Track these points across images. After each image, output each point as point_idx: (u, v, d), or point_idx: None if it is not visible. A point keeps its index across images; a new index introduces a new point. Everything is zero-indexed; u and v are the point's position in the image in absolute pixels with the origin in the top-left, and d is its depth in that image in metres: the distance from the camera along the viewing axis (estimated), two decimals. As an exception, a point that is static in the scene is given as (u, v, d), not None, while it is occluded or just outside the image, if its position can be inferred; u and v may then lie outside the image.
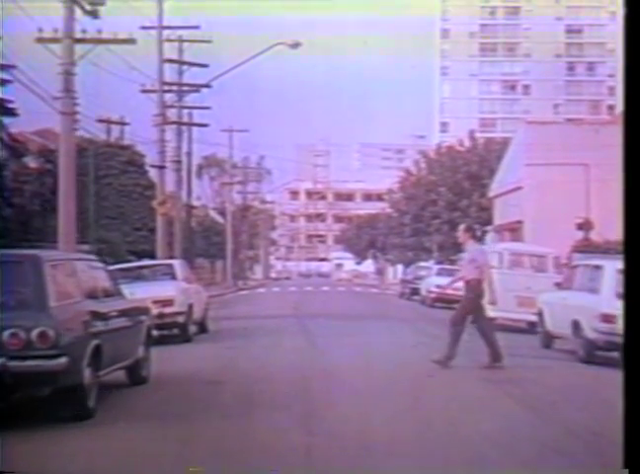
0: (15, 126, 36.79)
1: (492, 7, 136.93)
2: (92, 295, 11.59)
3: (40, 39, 24.36)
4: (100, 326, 11.18)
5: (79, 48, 24.38)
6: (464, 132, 67.51)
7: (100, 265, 12.83)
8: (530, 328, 24.97)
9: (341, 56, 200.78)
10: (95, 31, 24.66)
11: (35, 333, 9.77)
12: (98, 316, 11.24)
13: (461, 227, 16.50)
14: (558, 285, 19.44)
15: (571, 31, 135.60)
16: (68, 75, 23.58)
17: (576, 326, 17.01)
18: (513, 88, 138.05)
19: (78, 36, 24.09)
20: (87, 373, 10.55)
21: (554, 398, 12.13)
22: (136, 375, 13.33)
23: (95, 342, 10.81)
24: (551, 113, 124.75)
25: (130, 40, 24.96)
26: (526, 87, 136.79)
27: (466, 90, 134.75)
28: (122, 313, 12.39)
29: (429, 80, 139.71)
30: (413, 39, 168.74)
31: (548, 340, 19.36)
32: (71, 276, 11.15)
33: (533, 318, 22.92)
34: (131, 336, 12.86)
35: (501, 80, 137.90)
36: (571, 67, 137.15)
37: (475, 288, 15.36)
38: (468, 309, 15.46)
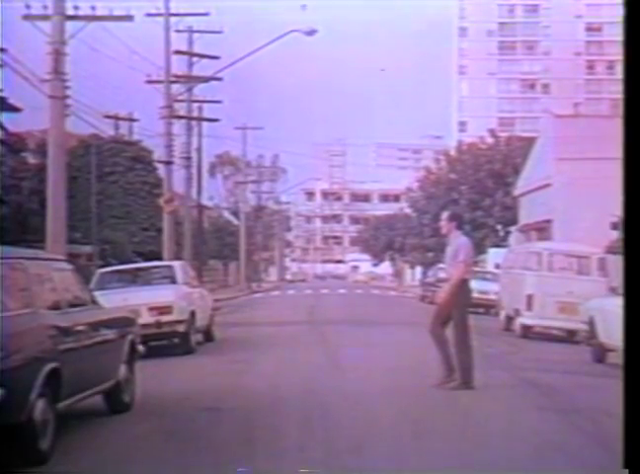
0: (21, 125, 35.06)
1: (510, 5, 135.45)
2: (52, 305, 9.11)
3: (27, 17, 22.15)
4: (60, 344, 8.75)
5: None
6: (483, 131, 65.75)
7: (68, 266, 10.37)
8: (570, 337, 22.81)
9: (357, 55, 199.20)
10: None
11: (-40, 357, 7.36)
12: (57, 331, 8.81)
13: (444, 215, 13.29)
14: (613, 290, 16.92)
15: (591, 28, 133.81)
16: (58, 55, 21.27)
17: (637, 338, 14.51)
18: (532, 87, 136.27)
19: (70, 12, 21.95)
20: (39, 407, 8.12)
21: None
22: (116, 401, 10.91)
23: (51, 365, 8.36)
24: (571, 111, 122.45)
25: (128, 17, 22.71)
26: (546, 86, 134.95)
27: (485, 89, 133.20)
28: (95, 326, 9.97)
29: (446, 79, 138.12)
30: (430, 37, 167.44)
31: (601, 353, 16.84)
32: (22, 280, 8.64)
33: (576, 326, 20.73)
34: (108, 354, 10.42)
35: (520, 79, 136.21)
36: (591, 65, 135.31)
37: (460, 288, 12.62)
38: (459, 312, 12.75)
